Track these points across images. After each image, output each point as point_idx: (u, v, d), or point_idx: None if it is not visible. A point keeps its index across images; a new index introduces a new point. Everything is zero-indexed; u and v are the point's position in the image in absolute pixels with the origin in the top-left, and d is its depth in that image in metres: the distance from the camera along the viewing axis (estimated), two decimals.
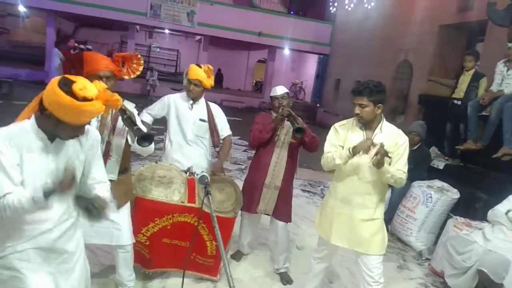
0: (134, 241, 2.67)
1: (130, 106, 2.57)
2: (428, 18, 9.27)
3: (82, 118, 1.58)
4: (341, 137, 2.55)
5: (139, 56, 2.57)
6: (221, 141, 3.38)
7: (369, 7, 12.13)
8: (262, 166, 3.20)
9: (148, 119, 3.25)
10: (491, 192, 4.08)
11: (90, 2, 14.31)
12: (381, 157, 2.25)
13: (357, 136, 2.49)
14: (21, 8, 15.32)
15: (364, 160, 2.39)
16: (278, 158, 3.19)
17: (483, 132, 4.75)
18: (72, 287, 1.83)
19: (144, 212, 2.79)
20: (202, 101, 3.25)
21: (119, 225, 2.53)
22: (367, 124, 2.49)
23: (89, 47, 12.85)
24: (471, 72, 5.09)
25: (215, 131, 3.26)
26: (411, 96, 9.51)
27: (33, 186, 1.53)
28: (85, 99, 1.52)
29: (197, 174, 2.96)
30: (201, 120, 3.20)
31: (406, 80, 10.10)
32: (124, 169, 2.55)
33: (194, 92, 3.14)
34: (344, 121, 2.62)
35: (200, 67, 3.14)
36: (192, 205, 2.88)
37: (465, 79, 5.15)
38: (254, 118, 3.37)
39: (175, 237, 2.92)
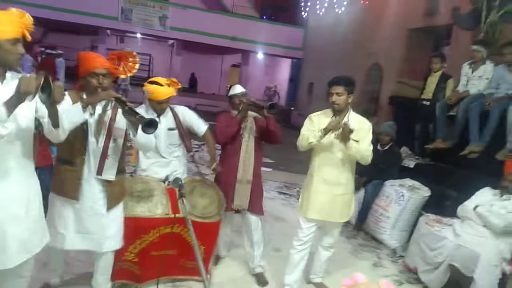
0: (122, 245, 2.62)
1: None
2: (397, 22, 9.53)
3: (11, 28, 1.74)
4: (315, 124, 2.92)
5: (134, 53, 2.56)
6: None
7: (340, 12, 12.34)
8: (232, 163, 3.26)
9: None
10: (460, 189, 4.21)
11: (58, 6, 13.94)
12: (345, 132, 2.67)
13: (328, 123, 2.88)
14: None
15: (335, 141, 2.79)
16: (247, 153, 3.28)
17: (451, 131, 4.91)
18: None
19: (129, 230, 2.65)
20: (167, 110, 3.13)
21: (109, 231, 2.50)
22: (337, 114, 2.90)
23: (61, 52, 12.50)
24: (439, 73, 5.27)
25: (185, 137, 3.21)
26: (382, 98, 9.72)
27: None
28: None
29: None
30: (169, 129, 3.12)
31: (377, 82, 10.33)
32: (120, 171, 2.52)
33: (166, 107, 3.08)
34: (318, 112, 3.03)
35: (161, 84, 2.97)
36: (176, 215, 2.75)
37: (433, 80, 5.31)
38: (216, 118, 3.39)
39: (163, 247, 2.82)
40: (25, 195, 1.93)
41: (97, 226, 2.46)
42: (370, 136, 2.92)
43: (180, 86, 3.10)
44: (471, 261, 3.15)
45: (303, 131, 2.96)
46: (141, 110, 3.02)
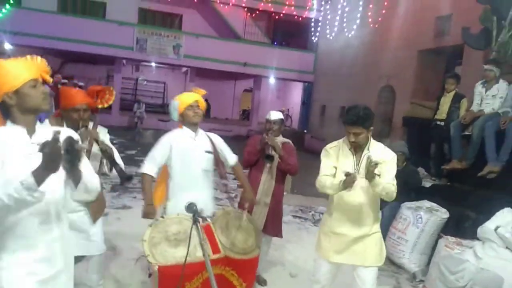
0: (105, 249, 2.89)
1: (103, 131, 2.81)
2: (407, 44, 9.61)
3: (24, 71, 1.66)
4: (333, 158, 2.64)
5: (111, 88, 2.82)
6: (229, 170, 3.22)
7: (350, 35, 12.52)
8: (252, 184, 3.36)
9: (154, 171, 2.86)
10: (480, 210, 4.13)
11: (76, 38, 14.46)
12: (370, 171, 2.33)
13: (347, 159, 2.60)
14: (7, 46, 15.38)
15: (357, 180, 2.45)
16: (267, 177, 3.46)
17: (467, 151, 4.85)
18: None
19: (173, 280, 2.38)
20: (201, 131, 3.02)
21: (95, 237, 2.74)
22: (356, 146, 2.58)
23: (81, 84, 12.74)
24: (452, 93, 5.26)
25: (220, 162, 3.04)
26: (395, 119, 9.70)
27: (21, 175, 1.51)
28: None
29: (210, 218, 2.73)
30: (207, 152, 2.95)
31: (389, 104, 10.34)
32: None
33: (199, 114, 2.93)
34: (335, 143, 2.72)
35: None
36: (218, 255, 2.63)
37: (446, 101, 5.30)
38: (246, 143, 3.60)
39: None
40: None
41: (83, 236, 2.69)
42: (394, 169, 2.57)
43: (205, 92, 3.09)
44: (494, 285, 3.05)
45: (323, 169, 2.62)
46: (174, 133, 2.97)
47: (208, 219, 2.70)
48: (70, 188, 1.76)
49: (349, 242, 2.60)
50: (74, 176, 1.67)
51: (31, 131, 1.69)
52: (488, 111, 4.71)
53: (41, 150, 1.47)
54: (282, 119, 3.54)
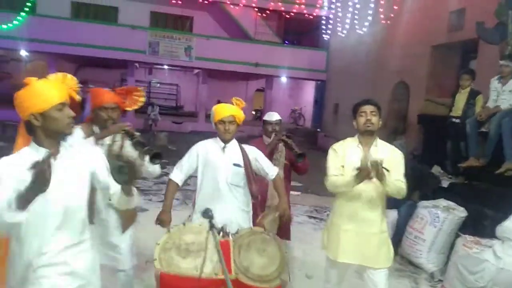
0: (136, 262, 2.79)
1: None
2: (420, 40, 9.47)
3: (53, 94, 1.65)
4: (340, 156, 2.64)
5: (138, 88, 2.80)
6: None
7: (362, 32, 12.41)
8: (261, 189, 3.19)
9: (179, 179, 2.85)
10: (498, 208, 4.05)
11: (90, 43, 14.67)
12: (381, 171, 2.32)
13: (355, 153, 2.60)
14: (23, 53, 15.72)
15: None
16: None
17: (484, 149, 4.77)
18: None
19: None
20: (234, 143, 2.87)
21: (121, 250, 2.67)
22: (364, 141, 2.61)
23: (91, 86, 13.07)
24: (467, 90, 5.18)
25: (252, 179, 2.84)
26: (411, 117, 9.57)
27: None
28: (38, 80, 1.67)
29: (232, 235, 2.59)
30: (235, 165, 2.79)
31: (404, 101, 10.21)
32: None
33: (231, 130, 2.77)
34: (341, 141, 2.74)
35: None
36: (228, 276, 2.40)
37: (461, 97, 5.22)
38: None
39: None
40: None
41: (109, 247, 2.66)
42: (402, 167, 2.58)
43: (244, 104, 2.90)
44: None
45: (331, 169, 2.62)
46: (205, 142, 2.90)
47: (230, 235, 2.55)
48: (104, 198, 1.84)
49: (359, 240, 2.57)
50: (128, 190, 1.75)
51: (54, 153, 1.69)
52: (505, 107, 4.61)
53: (29, 169, 1.45)
54: (281, 120, 3.57)
